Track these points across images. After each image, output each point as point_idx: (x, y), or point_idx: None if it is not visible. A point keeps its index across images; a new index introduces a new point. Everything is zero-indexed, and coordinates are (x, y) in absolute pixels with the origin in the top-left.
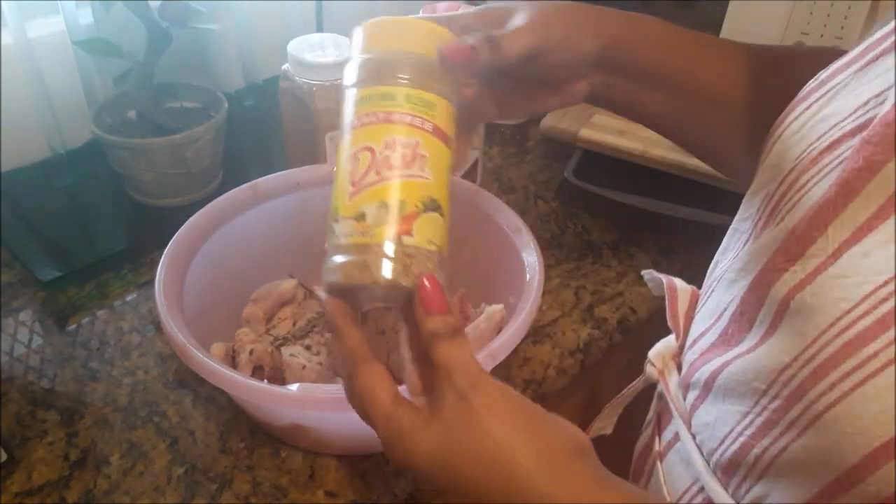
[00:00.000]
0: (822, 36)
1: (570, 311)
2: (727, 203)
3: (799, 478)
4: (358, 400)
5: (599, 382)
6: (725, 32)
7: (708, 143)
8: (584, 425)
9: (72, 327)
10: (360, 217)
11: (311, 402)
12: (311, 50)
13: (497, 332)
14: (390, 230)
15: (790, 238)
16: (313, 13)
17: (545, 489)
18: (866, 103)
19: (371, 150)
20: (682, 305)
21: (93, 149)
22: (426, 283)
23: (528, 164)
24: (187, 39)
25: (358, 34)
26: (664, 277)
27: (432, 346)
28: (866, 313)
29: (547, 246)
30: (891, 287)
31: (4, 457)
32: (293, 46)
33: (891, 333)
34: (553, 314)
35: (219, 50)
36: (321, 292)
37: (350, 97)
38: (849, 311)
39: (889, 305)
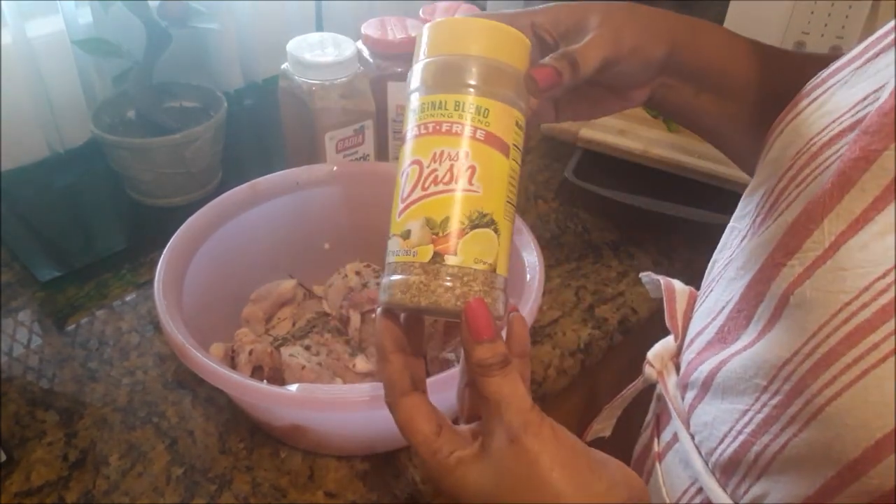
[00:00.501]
0: (822, 36)
1: (571, 311)
2: (727, 203)
3: (800, 474)
4: (401, 430)
5: (599, 383)
6: None
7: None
8: (584, 426)
9: (71, 327)
10: (406, 235)
11: (310, 402)
12: (311, 49)
13: None
14: (432, 249)
15: (788, 233)
16: (313, 13)
17: None
18: (864, 98)
19: (419, 163)
20: (681, 306)
21: (92, 148)
22: (472, 307)
23: (528, 164)
24: (187, 39)
25: (421, 36)
26: (662, 279)
27: (480, 376)
28: (865, 305)
29: (547, 246)
30: (889, 278)
31: (3, 457)
32: (293, 46)
33: (891, 324)
34: (553, 314)
35: (218, 49)
36: (378, 310)
37: (411, 105)
38: (848, 304)
39: (888, 297)
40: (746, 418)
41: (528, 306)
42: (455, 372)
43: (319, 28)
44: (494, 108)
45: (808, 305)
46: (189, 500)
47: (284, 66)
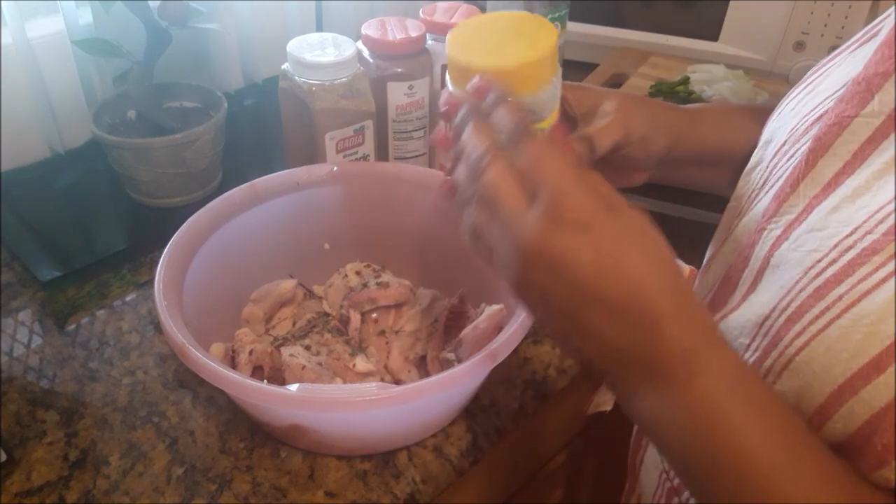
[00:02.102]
0: (822, 36)
1: None
2: (727, 203)
3: None
4: (488, 188)
5: (598, 382)
6: (726, 32)
7: None
8: (583, 425)
9: (71, 327)
10: None
11: (310, 402)
12: (311, 50)
13: (497, 331)
14: None
15: (773, 200)
16: (313, 13)
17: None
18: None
19: None
20: None
21: (92, 149)
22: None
23: None
24: (187, 39)
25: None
26: None
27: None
28: (834, 261)
29: None
30: (855, 236)
31: (4, 457)
32: (293, 46)
33: (853, 278)
34: None
35: (218, 50)
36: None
37: None
38: (819, 261)
39: (853, 253)
40: None
41: None
42: (455, 372)
43: (319, 28)
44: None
45: (785, 265)
46: (189, 499)
47: (284, 66)
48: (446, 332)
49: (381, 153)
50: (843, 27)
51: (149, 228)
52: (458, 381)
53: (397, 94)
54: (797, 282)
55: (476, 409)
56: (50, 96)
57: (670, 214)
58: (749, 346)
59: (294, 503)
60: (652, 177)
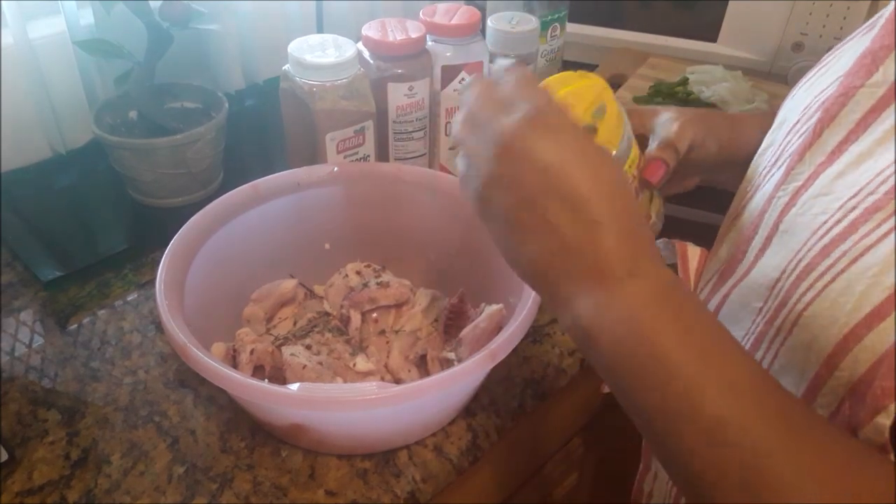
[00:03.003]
0: (820, 37)
1: None
2: (726, 203)
3: (790, 379)
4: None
5: (598, 381)
6: (725, 32)
7: None
8: (582, 424)
9: (73, 327)
10: None
11: (311, 401)
12: (312, 51)
13: (497, 331)
14: None
15: (783, 173)
16: (313, 14)
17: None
18: (864, 56)
19: None
20: (693, 264)
21: (93, 149)
22: None
23: None
24: (188, 40)
25: None
26: (676, 242)
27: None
28: (838, 221)
29: None
30: (859, 197)
31: (5, 456)
32: (293, 47)
33: (857, 235)
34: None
35: (219, 50)
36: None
37: None
38: (825, 222)
39: (857, 213)
40: (746, 339)
41: (528, 306)
42: (455, 371)
43: (320, 29)
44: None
45: (794, 230)
46: (190, 498)
47: (285, 67)
48: (446, 331)
49: (382, 154)
50: (841, 28)
51: (150, 228)
52: (458, 380)
53: (397, 95)
54: (805, 243)
55: (476, 408)
56: (51, 97)
57: (670, 214)
58: (761, 309)
59: (295, 502)
60: (702, 182)
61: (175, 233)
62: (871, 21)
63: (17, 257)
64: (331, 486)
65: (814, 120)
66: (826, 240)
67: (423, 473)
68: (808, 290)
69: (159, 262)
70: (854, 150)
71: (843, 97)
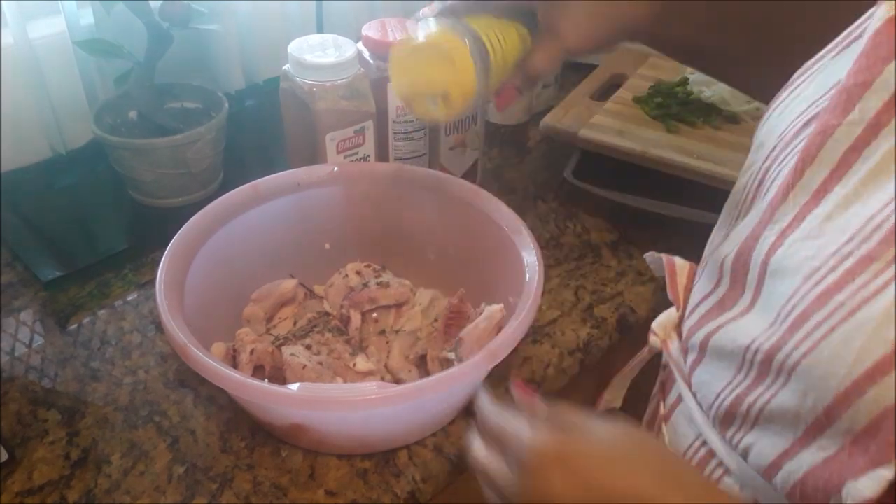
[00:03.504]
0: None
1: (570, 310)
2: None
3: (785, 424)
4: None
5: (597, 381)
6: None
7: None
8: None
9: (73, 327)
10: None
11: (311, 401)
12: (312, 51)
13: (497, 331)
14: None
15: (767, 207)
16: (313, 14)
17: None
18: (838, 83)
19: None
20: (681, 280)
21: (94, 149)
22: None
23: (528, 165)
24: (188, 40)
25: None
26: (664, 256)
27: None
28: (833, 269)
29: (546, 246)
30: (852, 244)
31: (5, 456)
32: (293, 47)
33: (853, 285)
34: (552, 314)
35: (219, 50)
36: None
37: None
38: (818, 269)
39: (852, 261)
40: (739, 377)
41: (528, 306)
42: (455, 371)
43: (320, 29)
44: None
45: (784, 272)
46: (190, 498)
47: (285, 67)
48: (446, 331)
49: (382, 154)
50: None
51: (150, 228)
52: (458, 380)
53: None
54: (797, 289)
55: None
56: (51, 97)
57: (670, 214)
58: (755, 349)
59: (295, 502)
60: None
61: (175, 233)
62: (839, 39)
63: (18, 257)
64: (331, 486)
65: (794, 154)
66: (820, 288)
67: (423, 473)
68: (804, 339)
69: (159, 262)
70: (839, 190)
71: (822, 135)
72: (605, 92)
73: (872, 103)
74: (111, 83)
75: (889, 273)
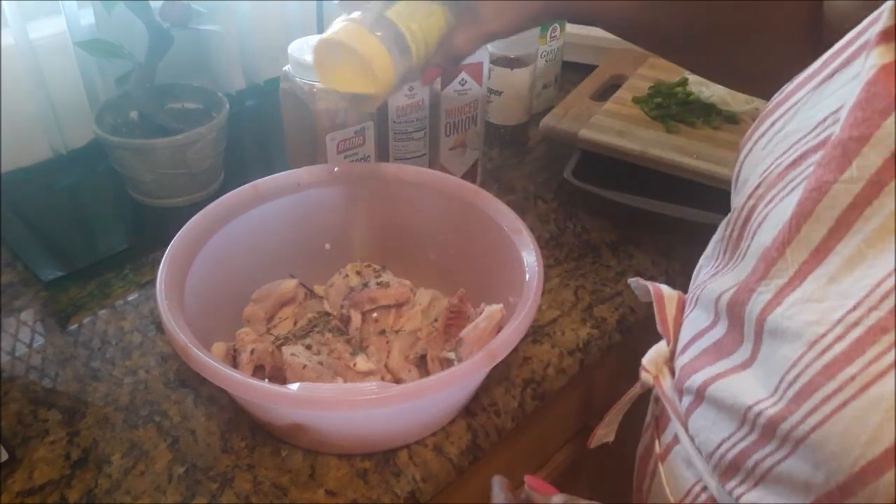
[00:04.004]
0: None
1: (570, 310)
2: (725, 203)
3: (793, 488)
4: None
5: (597, 381)
6: None
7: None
8: (581, 422)
9: (73, 327)
10: None
11: (311, 401)
12: (312, 51)
13: (497, 331)
14: None
15: (759, 259)
16: (314, 14)
17: None
18: (824, 120)
19: None
20: (670, 311)
21: (94, 149)
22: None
23: (528, 165)
24: (188, 40)
25: None
26: (650, 284)
27: None
28: (840, 338)
29: (546, 246)
30: (860, 311)
31: (6, 456)
32: (294, 48)
33: (864, 358)
34: (552, 314)
35: (220, 51)
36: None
37: None
38: (823, 335)
39: (860, 330)
40: (741, 433)
41: (528, 306)
42: (455, 371)
43: (320, 30)
44: None
45: (783, 334)
46: (191, 498)
47: (286, 67)
48: (446, 331)
49: (382, 154)
50: None
51: (150, 228)
52: (458, 380)
53: (397, 96)
54: (801, 356)
55: (476, 409)
56: (52, 97)
57: (670, 214)
58: (757, 411)
59: (295, 502)
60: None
61: (175, 233)
62: (817, 67)
63: (18, 257)
64: (331, 486)
65: (781, 201)
66: (827, 358)
67: (423, 473)
68: (812, 412)
69: (160, 262)
70: (841, 251)
71: (817, 192)
72: (605, 92)
73: (871, 160)
74: (112, 83)
75: None
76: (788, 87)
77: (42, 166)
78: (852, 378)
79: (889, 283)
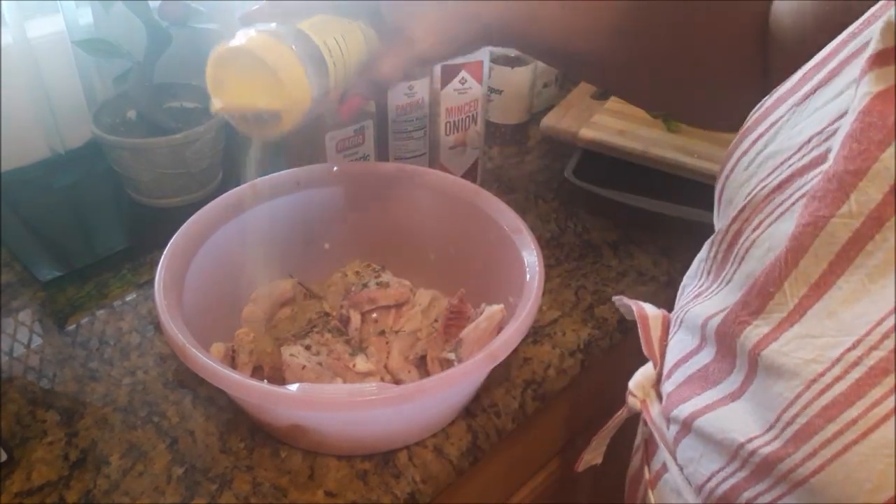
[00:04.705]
0: None
1: (571, 311)
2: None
3: None
4: None
5: (597, 381)
6: None
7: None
8: (580, 422)
9: (71, 327)
10: None
11: (310, 402)
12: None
13: (497, 331)
14: None
15: (750, 291)
16: None
17: None
18: (809, 141)
19: None
20: (655, 332)
21: (92, 149)
22: None
23: (528, 164)
24: (187, 39)
25: None
26: (633, 304)
27: None
28: (840, 378)
29: (547, 246)
30: (860, 350)
31: (4, 457)
32: None
33: (866, 400)
34: (553, 314)
35: None
36: None
37: None
38: (822, 374)
39: (861, 370)
40: (732, 468)
41: (528, 306)
42: (455, 372)
43: None
44: None
45: (779, 370)
46: (190, 499)
47: None
48: (446, 332)
49: (382, 153)
50: None
51: (149, 228)
52: (458, 380)
53: (397, 95)
54: (799, 395)
55: (476, 409)
56: (50, 96)
57: (670, 214)
58: (750, 449)
59: (294, 503)
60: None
61: (174, 233)
62: (796, 80)
63: (16, 257)
64: (330, 487)
65: (766, 228)
66: (827, 399)
67: (423, 474)
68: (813, 454)
69: (158, 262)
70: (844, 285)
71: (813, 227)
72: (606, 91)
73: (871, 194)
74: (110, 83)
75: None
76: (768, 101)
77: (40, 166)
78: (854, 422)
79: (889, 323)
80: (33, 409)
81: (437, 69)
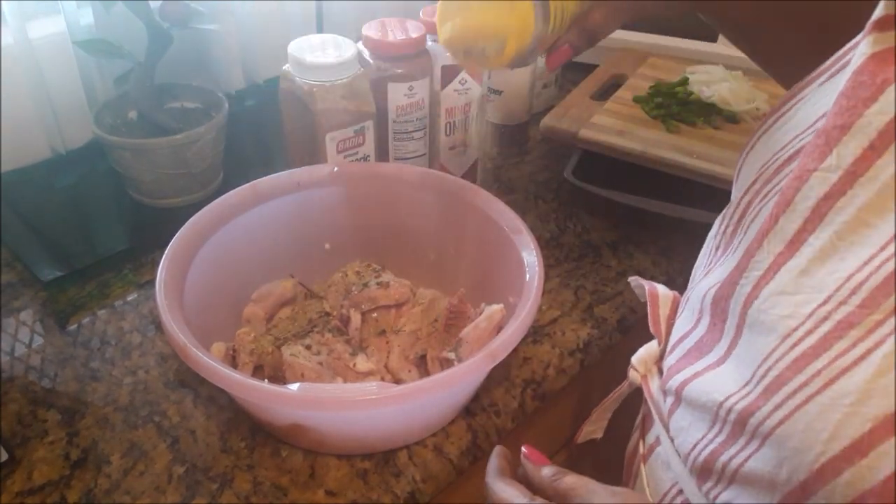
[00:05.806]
0: None
1: (570, 310)
2: (726, 203)
3: (761, 487)
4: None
5: (596, 381)
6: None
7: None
8: (579, 422)
9: (72, 327)
10: None
11: (311, 401)
12: (312, 51)
13: (497, 331)
14: None
15: (745, 254)
16: (314, 14)
17: None
18: (823, 116)
19: None
20: (664, 311)
21: (93, 149)
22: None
23: (528, 164)
24: (188, 40)
25: None
26: (647, 284)
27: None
28: (810, 332)
29: (547, 246)
30: (830, 305)
31: (5, 456)
32: (294, 47)
33: (832, 352)
34: (553, 314)
35: (219, 50)
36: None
37: None
38: (795, 329)
39: (829, 324)
40: (713, 432)
41: (528, 306)
42: (455, 371)
43: (320, 29)
44: None
45: (760, 328)
46: (190, 499)
47: (285, 67)
48: (446, 331)
49: (382, 154)
50: None
51: (150, 228)
52: (458, 380)
53: (397, 95)
54: (773, 350)
55: (476, 409)
56: (51, 97)
57: (670, 214)
58: (728, 407)
59: (295, 502)
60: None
61: (175, 233)
62: (828, 64)
63: (17, 257)
64: (331, 487)
65: (773, 197)
66: (797, 352)
67: (423, 473)
68: (779, 406)
69: (159, 262)
70: (814, 242)
71: (798, 181)
72: (605, 92)
73: (850, 149)
74: (111, 83)
75: (869, 341)
76: (797, 85)
77: (41, 166)
78: (818, 373)
79: (858, 277)
80: (34, 408)
81: (438, 69)
